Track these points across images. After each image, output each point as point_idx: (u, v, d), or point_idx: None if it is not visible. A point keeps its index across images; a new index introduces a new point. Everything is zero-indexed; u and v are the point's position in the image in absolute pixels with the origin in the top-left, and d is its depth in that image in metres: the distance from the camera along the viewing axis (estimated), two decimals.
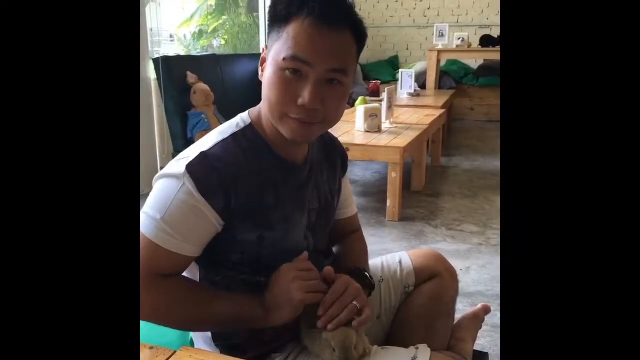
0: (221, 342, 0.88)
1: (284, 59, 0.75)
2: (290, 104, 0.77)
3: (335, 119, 0.83)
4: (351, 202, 1.08)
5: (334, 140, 1.02)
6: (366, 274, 0.94)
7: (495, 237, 2.46)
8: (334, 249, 1.04)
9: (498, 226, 2.43)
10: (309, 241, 0.91)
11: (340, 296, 0.80)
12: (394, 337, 1.02)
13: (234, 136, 0.83)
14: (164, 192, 0.77)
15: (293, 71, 0.76)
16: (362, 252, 1.04)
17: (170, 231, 0.76)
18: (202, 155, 0.79)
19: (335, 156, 1.00)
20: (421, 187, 3.22)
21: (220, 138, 0.83)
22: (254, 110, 0.88)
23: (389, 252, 1.13)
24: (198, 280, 0.87)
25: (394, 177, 2.63)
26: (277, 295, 0.80)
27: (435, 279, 1.04)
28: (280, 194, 0.84)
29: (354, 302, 0.81)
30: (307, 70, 0.76)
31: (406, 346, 0.87)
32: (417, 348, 0.83)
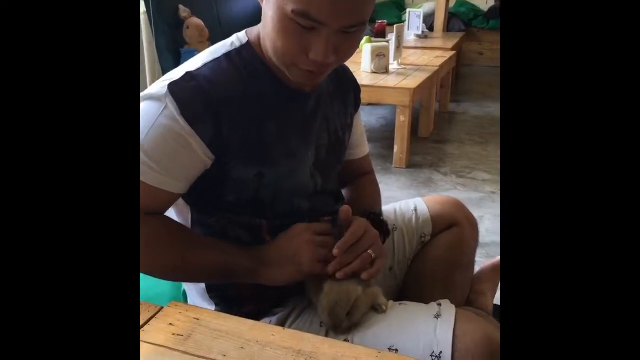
0: (216, 294, 0.80)
1: (293, 11, 0.61)
2: (301, 55, 0.65)
3: (347, 60, 0.72)
4: (363, 142, 0.98)
5: (346, 72, 0.90)
6: (382, 219, 0.84)
7: None
8: (344, 192, 0.93)
9: None
10: (316, 181, 0.81)
11: (357, 241, 0.71)
12: (407, 290, 0.95)
13: (227, 55, 0.72)
14: (144, 117, 0.66)
15: (303, 25, 0.62)
16: (375, 195, 0.95)
17: (149, 162, 0.66)
18: (189, 75, 0.67)
19: (348, 88, 0.89)
20: (429, 134, 3.10)
21: (211, 58, 0.71)
22: (252, 29, 0.75)
23: (396, 201, 1.03)
24: (190, 223, 0.77)
25: (403, 121, 2.49)
26: (283, 252, 0.72)
27: (455, 228, 0.96)
28: (282, 125, 0.73)
29: (369, 251, 0.71)
30: (320, 27, 0.62)
31: (422, 301, 0.78)
32: (440, 304, 0.74)
